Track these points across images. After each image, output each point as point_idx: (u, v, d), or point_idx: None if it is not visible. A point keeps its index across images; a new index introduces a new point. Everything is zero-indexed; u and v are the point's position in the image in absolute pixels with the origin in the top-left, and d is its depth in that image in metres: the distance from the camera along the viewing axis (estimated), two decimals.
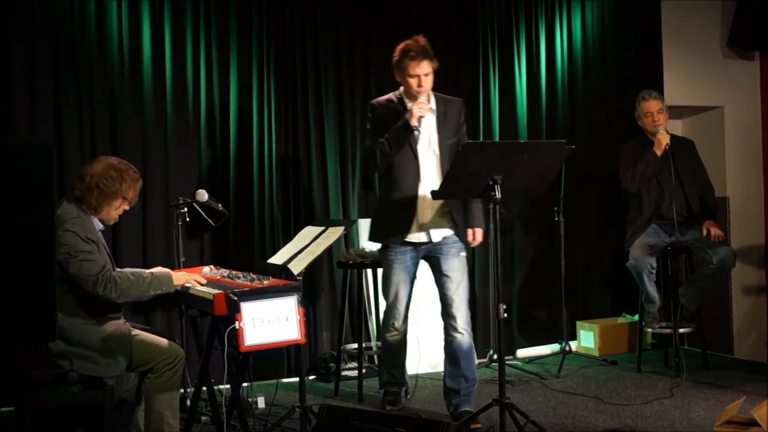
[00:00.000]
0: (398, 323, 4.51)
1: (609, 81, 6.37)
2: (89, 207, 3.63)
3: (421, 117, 4.21)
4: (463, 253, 4.42)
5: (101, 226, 3.72)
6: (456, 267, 4.37)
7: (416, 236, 4.35)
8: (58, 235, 3.43)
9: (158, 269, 3.81)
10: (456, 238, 4.40)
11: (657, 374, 5.40)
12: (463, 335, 4.36)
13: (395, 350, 4.62)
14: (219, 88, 5.29)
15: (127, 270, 3.70)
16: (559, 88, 6.23)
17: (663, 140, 5.39)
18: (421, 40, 4.32)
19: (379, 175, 4.54)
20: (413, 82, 4.25)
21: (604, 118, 6.33)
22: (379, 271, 5.21)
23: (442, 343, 4.48)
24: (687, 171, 5.57)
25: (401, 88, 4.42)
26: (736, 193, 6.52)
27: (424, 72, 4.25)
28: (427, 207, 4.32)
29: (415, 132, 4.24)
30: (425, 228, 4.34)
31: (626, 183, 5.53)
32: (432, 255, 4.41)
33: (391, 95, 4.45)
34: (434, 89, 4.40)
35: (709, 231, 5.38)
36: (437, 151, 4.35)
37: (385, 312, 4.57)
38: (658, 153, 5.40)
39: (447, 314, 4.40)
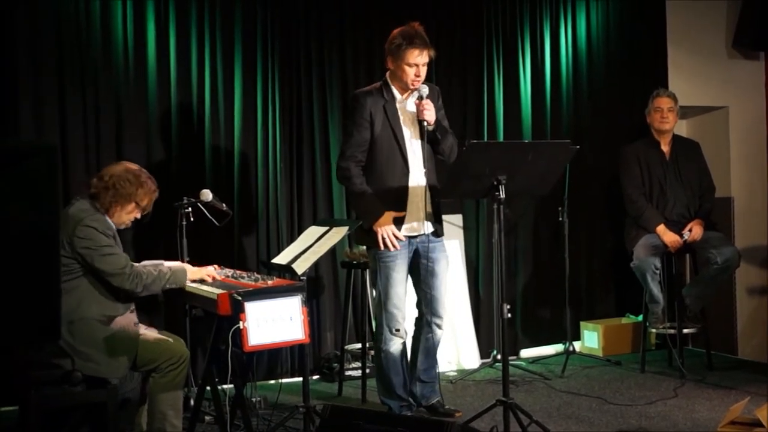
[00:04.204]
0: (402, 326, 4.31)
1: (613, 81, 6.36)
2: (102, 205, 3.69)
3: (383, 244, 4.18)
4: (446, 252, 4.44)
5: (114, 228, 3.75)
6: (444, 268, 4.37)
7: (412, 229, 4.25)
8: (78, 230, 3.52)
9: (176, 264, 3.88)
10: (441, 238, 4.39)
11: (661, 375, 5.39)
12: (442, 330, 4.45)
13: (392, 365, 4.32)
14: (223, 88, 5.29)
15: (147, 263, 3.78)
16: (564, 88, 6.22)
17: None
18: (419, 27, 4.17)
19: (363, 170, 4.30)
20: (411, 71, 4.12)
21: (608, 119, 6.33)
22: None
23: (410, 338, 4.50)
24: (690, 173, 5.57)
25: (387, 75, 4.27)
26: (741, 193, 6.51)
27: (423, 62, 4.12)
28: (417, 198, 4.24)
29: (403, 127, 4.21)
30: (418, 219, 4.25)
31: (628, 205, 5.55)
32: (422, 253, 4.30)
33: (376, 85, 4.31)
34: (433, 82, 4.36)
35: (690, 229, 5.37)
36: (421, 140, 4.20)
37: (386, 317, 4.28)
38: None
39: (432, 313, 4.37)
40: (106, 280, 3.57)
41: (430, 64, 4.25)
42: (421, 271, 4.36)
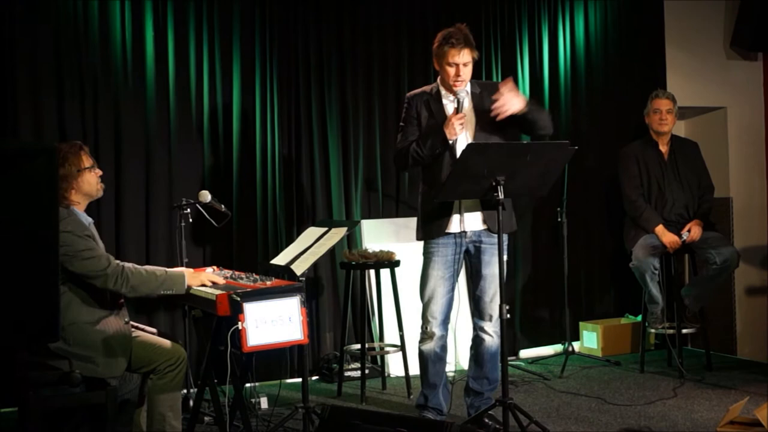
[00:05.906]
0: (432, 327, 4.17)
1: (612, 82, 6.37)
2: (63, 200, 3.58)
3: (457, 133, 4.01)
4: (505, 257, 4.01)
5: (90, 219, 3.70)
6: (492, 271, 4.14)
7: (456, 226, 4.12)
8: None
9: (175, 269, 3.79)
10: (499, 238, 3.96)
11: (660, 375, 5.40)
12: (493, 338, 4.23)
13: (428, 363, 4.22)
14: (222, 89, 5.30)
15: (147, 267, 3.69)
16: (562, 88, 6.23)
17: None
18: (464, 28, 4.11)
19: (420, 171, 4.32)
20: (451, 71, 4.07)
21: (606, 119, 6.33)
22: (383, 271, 5.22)
23: (469, 342, 4.34)
24: (688, 173, 5.58)
25: (438, 79, 4.21)
26: (739, 193, 6.52)
27: (463, 61, 4.06)
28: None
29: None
30: (465, 216, 4.11)
31: (627, 205, 5.56)
32: (473, 252, 4.18)
33: (427, 87, 4.27)
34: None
35: (689, 230, 5.37)
36: (473, 139, 4.09)
37: (421, 313, 4.23)
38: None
39: (480, 316, 4.23)
40: (88, 283, 3.50)
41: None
42: (470, 271, 4.27)
